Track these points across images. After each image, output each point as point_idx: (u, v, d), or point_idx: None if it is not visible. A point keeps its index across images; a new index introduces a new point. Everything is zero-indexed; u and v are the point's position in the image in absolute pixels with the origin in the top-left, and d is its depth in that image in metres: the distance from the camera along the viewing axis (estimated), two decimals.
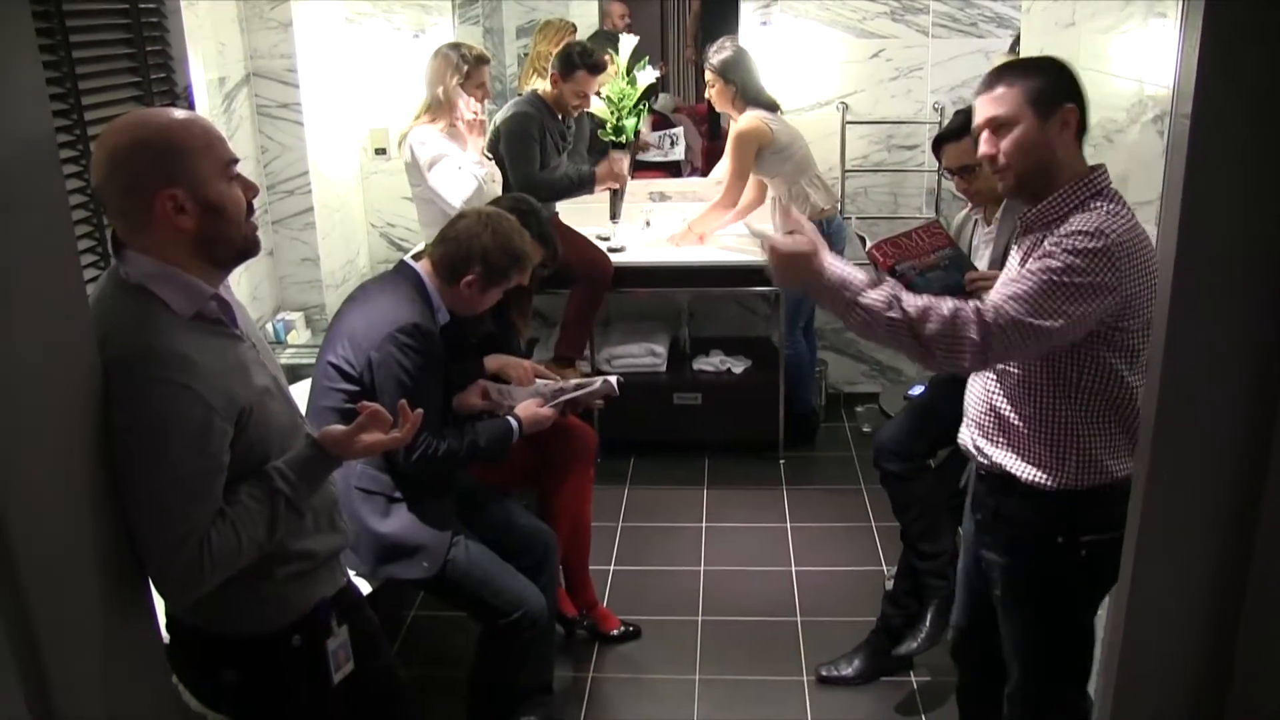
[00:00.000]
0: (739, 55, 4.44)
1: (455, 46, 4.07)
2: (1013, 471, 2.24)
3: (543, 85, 4.32)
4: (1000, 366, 2.23)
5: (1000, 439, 2.27)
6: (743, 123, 4.43)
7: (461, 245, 2.78)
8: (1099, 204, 2.11)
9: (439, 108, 4.01)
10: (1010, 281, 2.10)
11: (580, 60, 4.18)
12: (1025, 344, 2.03)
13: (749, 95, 4.44)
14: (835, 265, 2.05)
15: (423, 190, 4.01)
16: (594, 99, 4.35)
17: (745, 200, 4.63)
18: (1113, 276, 2.02)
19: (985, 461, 2.32)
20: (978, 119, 2.19)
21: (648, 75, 4.38)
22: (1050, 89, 2.12)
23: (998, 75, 2.17)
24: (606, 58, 4.31)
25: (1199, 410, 1.65)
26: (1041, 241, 2.13)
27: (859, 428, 5.13)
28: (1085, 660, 2.42)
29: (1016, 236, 2.29)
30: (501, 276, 2.82)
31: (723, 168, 4.72)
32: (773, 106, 4.50)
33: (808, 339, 4.93)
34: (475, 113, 3.91)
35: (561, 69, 4.21)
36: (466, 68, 3.97)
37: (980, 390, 2.32)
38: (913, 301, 2.03)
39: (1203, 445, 1.70)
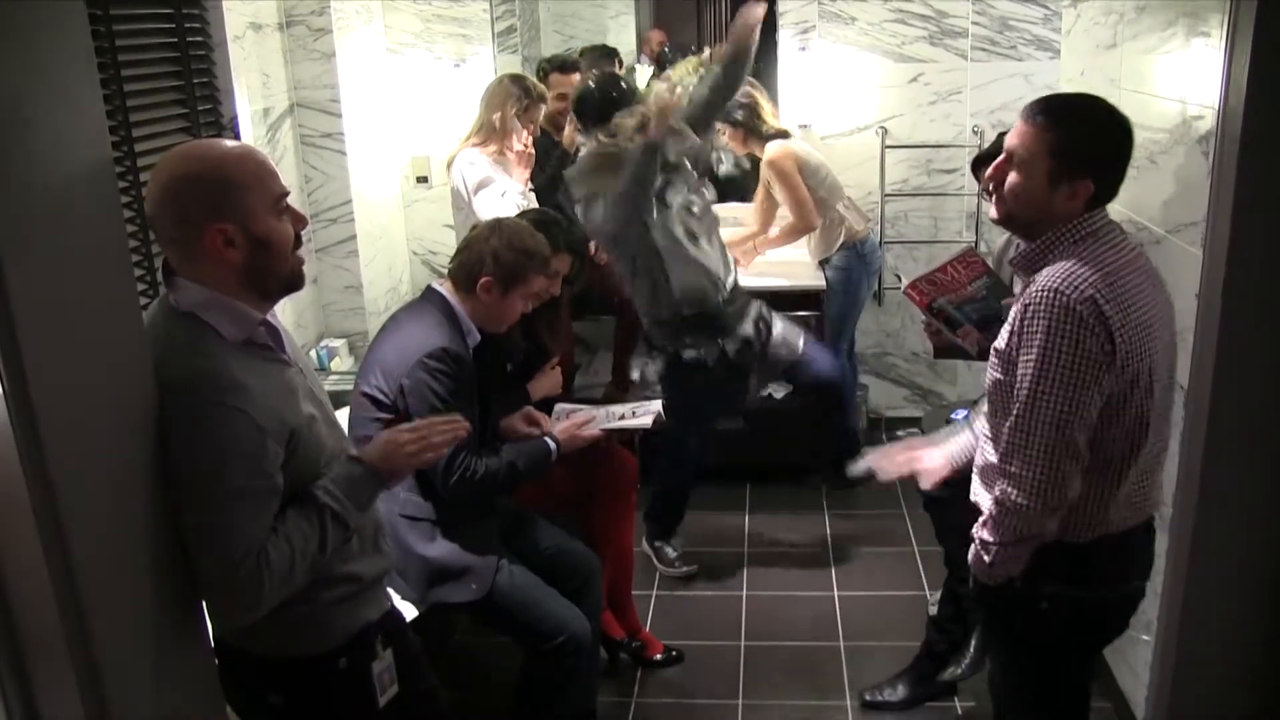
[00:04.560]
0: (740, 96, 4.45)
1: (519, 79, 4.12)
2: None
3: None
4: (989, 413, 2.19)
5: (979, 482, 2.25)
6: (770, 152, 4.40)
7: (473, 251, 2.81)
8: (1068, 252, 2.02)
9: (492, 133, 4.04)
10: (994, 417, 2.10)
11: (550, 66, 4.33)
12: (1045, 443, 1.97)
13: (759, 130, 4.43)
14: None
15: (465, 215, 4.03)
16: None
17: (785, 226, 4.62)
18: (1094, 342, 1.94)
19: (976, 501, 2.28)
20: (1007, 139, 2.11)
21: None
22: (1076, 155, 2.00)
23: (1040, 110, 2.05)
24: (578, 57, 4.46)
25: (1247, 429, 1.64)
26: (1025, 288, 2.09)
27: None
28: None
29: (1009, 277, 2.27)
30: (516, 276, 2.80)
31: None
32: (783, 133, 4.49)
33: (849, 363, 4.90)
34: (525, 145, 3.93)
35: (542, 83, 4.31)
36: (528, 102, 4.01)
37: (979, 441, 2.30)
38: (980, 529, 2.12)
39: (1249, 468, 1.68)
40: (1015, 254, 2.14)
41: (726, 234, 4.76)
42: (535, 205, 4.16)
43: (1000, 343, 2.08)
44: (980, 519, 2.13)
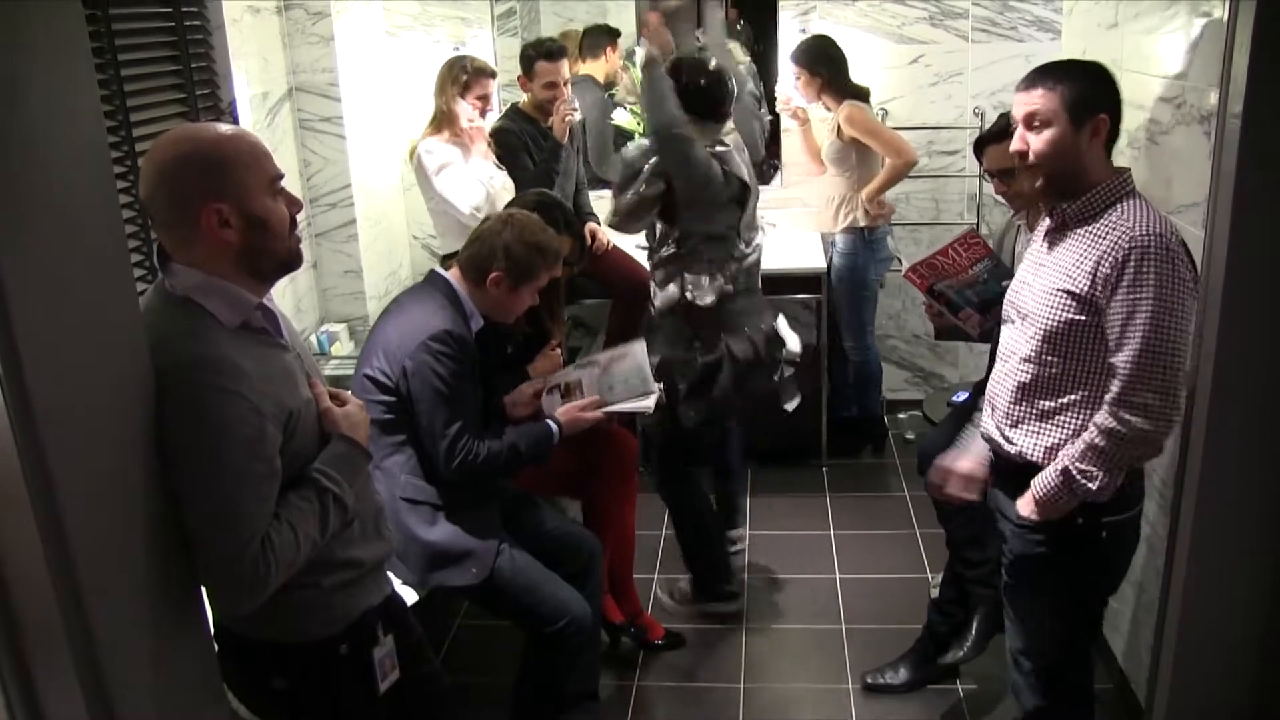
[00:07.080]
0: (825, 44, 4.40)
1: (459, 59, 4.04)
2: (1035, 460, 2.29)
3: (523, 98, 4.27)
4: (1037, 355, 2.27)
5: (1029, 427, 2.32)
6: (848, 108, 4.38)
7: (485, 244, 2.80)
8: (1131, 201, 2.18)
9: (443, 118, 4.00)
10: (1115, 341, 2.14)
11: (535, 52, 4.13)
12: (1174, 370, 2.08)
13: (840, 85, 4.40)
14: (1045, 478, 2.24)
15: (436, 203, 4.02)
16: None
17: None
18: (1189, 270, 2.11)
19: (1011, 450, 2.35)
20: (1015, 114, 2.26)
21: None
22: (1086, 97, 2.17)
23: (1039, 76, 2.22)
24: (565, 45, 4.24)
25: (1250, 413, 1.63)
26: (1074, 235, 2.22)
27: (902, 435, 5.10)
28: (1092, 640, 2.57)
29: (1048, 233, 2.33)
30: (528, 272, 2.81)
31: (834, 149, 4.54)
32: (864, 95, 4.47)
33: (871, 348, 4.85)
34: (470, 120, 3.90)
35: (524, 69, 4.16)
36: (465, 78, 3.92)
37: (1011, 381, 2.35)
38: (1078, 461, 2.17)
39: (1252, 450, 1.67)
40: (1071, 208, 2.24)
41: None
42: (509, 183, 4.08)
43: (1074, 286, 2.18)
44: (1072, 453, 2.20)
